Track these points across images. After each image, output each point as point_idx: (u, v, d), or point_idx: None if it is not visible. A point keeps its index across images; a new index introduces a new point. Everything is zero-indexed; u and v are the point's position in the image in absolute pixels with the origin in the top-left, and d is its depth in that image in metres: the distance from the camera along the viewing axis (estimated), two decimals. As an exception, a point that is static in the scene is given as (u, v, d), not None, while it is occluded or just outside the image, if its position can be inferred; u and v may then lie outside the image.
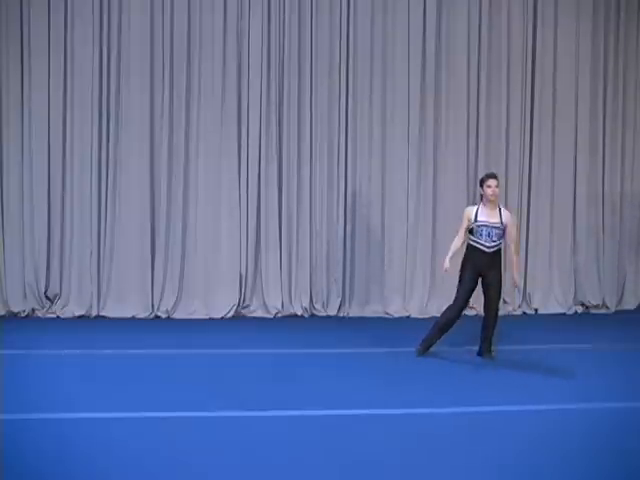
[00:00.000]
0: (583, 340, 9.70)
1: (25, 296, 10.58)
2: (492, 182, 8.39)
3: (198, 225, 10.89)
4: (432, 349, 8.60)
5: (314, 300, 11.10)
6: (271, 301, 10.97)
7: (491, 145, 11.46)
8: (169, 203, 10.81)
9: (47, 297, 10.66)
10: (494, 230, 8.32)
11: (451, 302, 8.54)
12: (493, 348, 8.58)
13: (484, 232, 8.31)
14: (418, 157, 11.22)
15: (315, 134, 11.03)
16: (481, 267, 8.35)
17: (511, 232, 8.53)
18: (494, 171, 9.03)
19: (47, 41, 10.52)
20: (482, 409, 6.75)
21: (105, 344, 9.05)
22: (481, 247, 8.32)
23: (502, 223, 8.37)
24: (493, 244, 8.33)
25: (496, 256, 8.40)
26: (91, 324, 10.38)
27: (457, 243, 8.46)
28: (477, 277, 8.40)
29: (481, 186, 8.47)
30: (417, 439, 5.99)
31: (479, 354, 8.61)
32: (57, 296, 10.68)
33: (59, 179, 10.64)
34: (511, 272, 8.94)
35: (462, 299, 8.43)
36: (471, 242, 8.41)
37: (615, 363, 8.48)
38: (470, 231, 8.41)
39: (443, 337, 8.61)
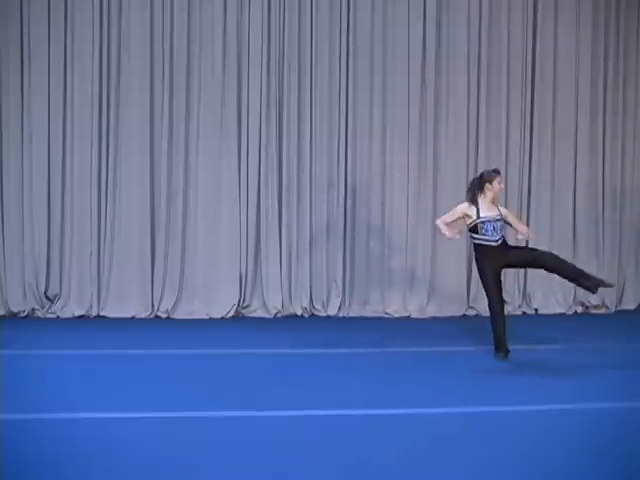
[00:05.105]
0: (583, 340, 9.69)
1: (25, 296, 10.57)
2: (500, 178, 8.55)
3: (198, 225, 10.88)
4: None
5: (314, 300, 11.09)
6: (271, 301, 10.96)
7: (491, 145, 11.44)
8: (169, 203, 10.81)
9: (47, 297, 10.65)
10: (498, 223, 8.40)
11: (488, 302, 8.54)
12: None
13: (489, 227, 8.37)
14: (418, 156, 11.20)
15: (315, 133, 11.02)
16: (498, 261, 8.38)
17: (512, 218, 8.69)
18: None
19: (47, 41, 10.51)
20: (482, 409, 6.74)
21: (105, 344, 9.05)
22: (490, 243, 8.36)
23: (501, 215, 8.49)
24: (499, 236, 8.38)
25: (504, 244, 8.48)
26: (91, 324, 10.38)
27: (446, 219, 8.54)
28: (499, 272, 8.44)
29: (488, 182, 8.47)
30: (417, 439, 5.99)
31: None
32: (57, 296, 10.67)
33: (59, 179, 10.63)
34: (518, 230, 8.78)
35: (496, 296, 8.40)
36: (478, 242, 8.41)
37: (615, 363, 8.46)
38: (473, 230, 8.42)
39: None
